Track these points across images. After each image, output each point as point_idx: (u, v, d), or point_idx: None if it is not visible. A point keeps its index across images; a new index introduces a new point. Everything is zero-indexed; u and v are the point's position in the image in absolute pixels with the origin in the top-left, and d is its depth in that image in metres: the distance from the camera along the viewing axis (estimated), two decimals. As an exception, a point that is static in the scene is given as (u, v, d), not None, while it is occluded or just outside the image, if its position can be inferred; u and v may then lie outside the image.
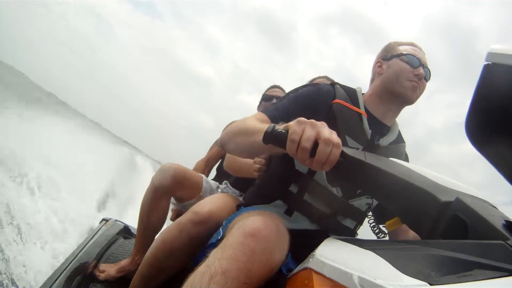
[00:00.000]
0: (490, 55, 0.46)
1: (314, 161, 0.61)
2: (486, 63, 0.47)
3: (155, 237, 1.12)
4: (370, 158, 0.64)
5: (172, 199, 1.52)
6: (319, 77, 1.89)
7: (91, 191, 4.67)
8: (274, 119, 0.92)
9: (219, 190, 1.50)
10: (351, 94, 1.01)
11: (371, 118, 1.00)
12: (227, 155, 1.47)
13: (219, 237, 0.86)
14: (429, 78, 1.01)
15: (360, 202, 0.99)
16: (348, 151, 0.64)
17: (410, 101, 0.99)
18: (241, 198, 1.30)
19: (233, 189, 1.45)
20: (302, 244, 0.83)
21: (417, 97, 1.00)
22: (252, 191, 1.11)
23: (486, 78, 0.47)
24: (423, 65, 0.99)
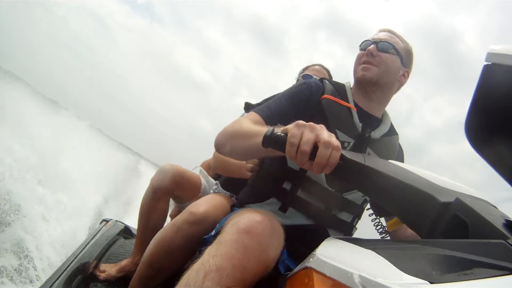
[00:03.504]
0: (489, 55, 0.46)
1: (314, 164, 0.61)
2: (485, 63, 0.47)
3: (153, 238, 1.12)
4: (369, 161, 0.65)
5: (172, 201, 1.51)
6: (314, 65, 1.79)
7: (93, 194, 4.69)
8: (268, 119, 0.92)
9: (211, 191, 1.49)
10: (339, 89, 1.02)
11: (361, 111, 1.00)
12: (216, 155, 1.44)
13: (212, 233, 0.86)
14: (390, 50, 0.99)
15: (355, 196, 0.98)
16: (347, 154, 0.64)
17: (366, 80, 0.98)
18: (233, 199, 1.30)
19: (224, 190, 1.44)
20: (298, 240, 0.82)
21: (376, 73, 0.97)
22: (245, 191, 1.11)
23: (486, 78, 0.47)
24: (374, 42, 0.99)
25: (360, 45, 1.03)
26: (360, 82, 1.01)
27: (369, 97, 1.02)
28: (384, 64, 0.98)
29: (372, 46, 0.98)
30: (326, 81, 1.04)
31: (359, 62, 1.00)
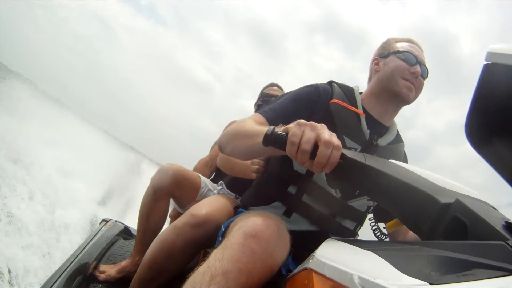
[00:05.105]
0: (489, 54, 0.46)
1: (314, 163, 0.61)
2: (485, 62, 0.46)
3: (154, 240, 1.12)
4: (369, 160, 0.64)
5: (173, 202, 1.51)
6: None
7: (94, 193, 4.70)
8: (272, 120, 0.92)
9: (215, 191, 1.49)
10: (348, 93, 1.00)
11: (369, 118, 0.99)
12: (221, 154, 1.43)
13: (220, 239, 0.86)
14: (427, 76, 1.00)
15: (360, 203, 0.98)
16: (348, 153, 0.64)
17: (406, 100, 0.97)
18: (237, 201, 1.29)
19: (229, 191, 1.44)
20: (302, 245, 0.82)
21: (414, 96, 0.98)
22: (250, 193, 1.10)
23: (486, 78, 0.47)
24: (420, 62, 0.97)
25: (402, 55, 0.98)
26: (394, 96, 0.98)
27: (385, 108, 1.00)
28: (421, 90, 0.99)
29: (419, 69, 0.96)
30: (335, 84, 1.02)
31: (401, 75, 0.96)
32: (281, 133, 0.65)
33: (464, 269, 0.35)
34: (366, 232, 1.09)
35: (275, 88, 2.02)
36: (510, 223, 0.44)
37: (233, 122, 1.74)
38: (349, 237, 1.00)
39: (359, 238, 1.05)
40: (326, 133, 0.61)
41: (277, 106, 0.97)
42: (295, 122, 0.64)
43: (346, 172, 0.64)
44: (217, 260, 0.59)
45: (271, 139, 0.65)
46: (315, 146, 0.61)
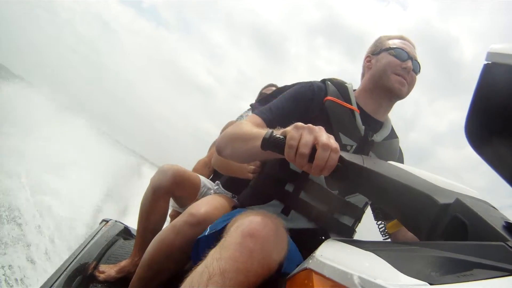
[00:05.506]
0: (490, 54, 0.46)
1: (312, 166, 0.61)
2: (486, 62, 0.46)
3: (153, 239, 1.12)
4: (368, 162, 0.64)
5: (172, 202, 1.51)
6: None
7: (93, 195, 4.70)
8: (269, 121, 0.92)
9: (212, 191, 1.50)
10: (342, 90, 1.01)
11: (363, 114, 0.99)
12: (216, 154, 1.45)
13: (206, 233, 0.86)
14: (419, 71, 1.01)
15: (357, 199, 0.98)
16: (346, 155, 0.64)
17: (398, 95, 0.98)
18: (234, 200, 1.29)
19: (225, 190, 1.44)
20: (300, 243, 0.82)
21: (407, 91, 0.99)
22: (247, 192, 1.11)
23: (486, 78, 0.47)
24: (411, 58, 0.98)
25: (394, 51, 0.99)
26: (387, 91, 0.98)
27: (379, 104, 1.01)
28: (413, 85, 1.00)
29: (411, 64, 0.97)
30: (329, 82, 1.03)
31: (393, 70, 0.97)
32: (279, 137, 0.65)
33: (463, 270, 0.35)
34: (364, 230, 1.09)
35: (274, 88, 2.05)
36: (510, 223, 0.44)
37: (231, 122, 1.75)
38: (348, 233, 1.01)
39: (357, 235, 1.05)
40: (324, 136, 0.61)
41: (273, 107, 0.97)
42: (293, 125, 0.64)
43: (345, 175, 0.64)
44: (214, 259, 0.59)
45: (269, 143, 0.65)
46: (313, 149, 0.61)
